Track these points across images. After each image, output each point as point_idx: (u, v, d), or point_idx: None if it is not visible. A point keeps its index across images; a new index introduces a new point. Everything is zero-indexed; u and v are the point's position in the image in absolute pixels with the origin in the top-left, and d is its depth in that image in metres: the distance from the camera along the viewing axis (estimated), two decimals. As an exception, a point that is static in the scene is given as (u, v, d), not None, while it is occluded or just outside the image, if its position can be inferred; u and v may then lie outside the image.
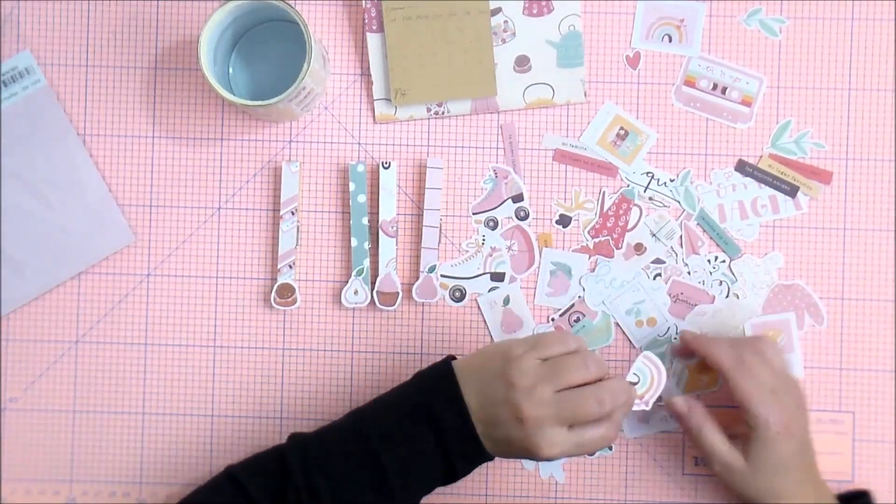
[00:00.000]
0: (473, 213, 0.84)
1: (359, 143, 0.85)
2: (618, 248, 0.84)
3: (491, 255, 0.84)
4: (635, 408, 0.73)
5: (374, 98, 0.84)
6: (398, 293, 0.83)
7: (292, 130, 0.85)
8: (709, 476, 0.83)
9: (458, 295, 0.84)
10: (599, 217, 0.84)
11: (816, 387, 0.84)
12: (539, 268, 0.84)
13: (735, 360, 0.75)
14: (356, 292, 0.83)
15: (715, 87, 0.84)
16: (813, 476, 0.77)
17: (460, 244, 0.84)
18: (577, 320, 0.84)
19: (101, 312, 0.84)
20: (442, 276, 0.84)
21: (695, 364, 0.83)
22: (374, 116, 0.84)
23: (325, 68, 0.82)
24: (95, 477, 0.84)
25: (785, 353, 0.78)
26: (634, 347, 0.84)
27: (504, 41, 0.83)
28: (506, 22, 0.83)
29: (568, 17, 0.84)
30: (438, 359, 0.84)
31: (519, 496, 0.84)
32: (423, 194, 0.83)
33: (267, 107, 0.75)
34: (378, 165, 0.83)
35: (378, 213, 0.83)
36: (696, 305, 0.83)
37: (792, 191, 0.84)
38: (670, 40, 0.84)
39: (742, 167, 0.84)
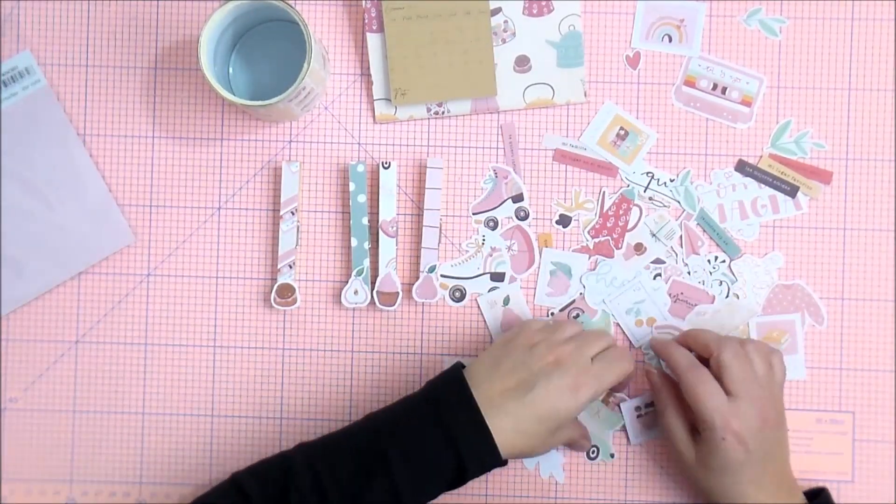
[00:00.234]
0: (473, 213, 0.84)
1: (359, 143, 0.85)
2: (618, 249, 0.84)
3: (491, 255, 0.84)
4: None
5: (374, 98, 0.84)
6: (398, 293, 0.83)
7: (292, 130, 0.85)
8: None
9: (458, 295, 0.84)
10: (599, 217, 0.84)
11: (816, 387, 0.84)
12: (539, 268, 0.84)
13: (689, 364, 0.76)
14: (356, 292, 0.83)
15: (715, 87, 0.84)
16: (767, 482, 0.75)
17: (460, 244, 0.84)
18: (577, 316, 0.84)
19: (101, 312, 0.84)
20: (442, 276, 0.84)
21: None
22: (374, 116, 0.84)
23: (325, 68, 0.82)
24: (95, 477, 0.84)
25: (779, 368, 0.77)
26: (634, 347, 0.84)
27: (504, 41, 0.83)
28: (506, 22, 0.83)
29: (568, 17, 0.84)
30: (438, 359, 0.84)
31: (519, 496, 0.84)
32: (423, 194, 0.83)
33: (267, 107, 0.75)
34: (378, 165, 0.83)
35: (378, 213, 0.83)
36: (696, 305, 0.83)
37: (792, 191, 0.84)
38: (670, 40, 0.84)
39: (742, 167, 0.84)
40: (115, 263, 0.84)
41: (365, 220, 0.83)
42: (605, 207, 0.84)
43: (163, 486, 0.84)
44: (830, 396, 0.83)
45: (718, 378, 0.75)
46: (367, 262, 0.83)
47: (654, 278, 0.84)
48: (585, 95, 0.84)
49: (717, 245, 0.84)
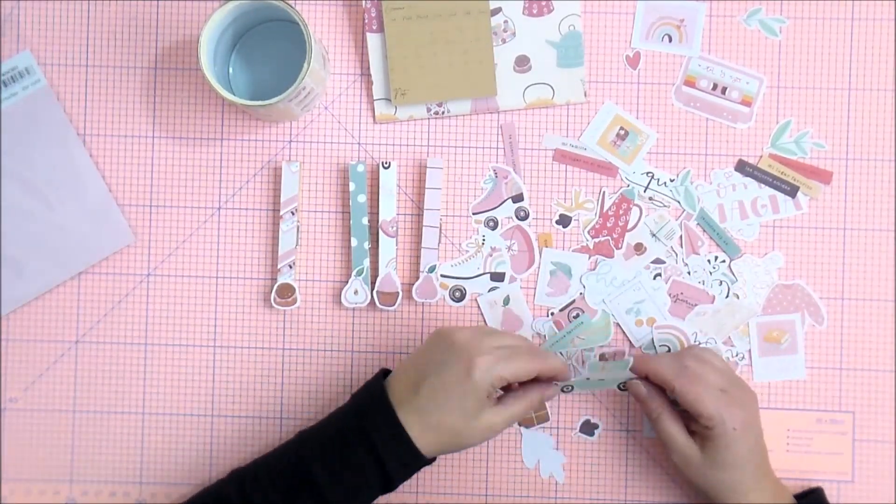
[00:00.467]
0: (473, 213, 0.84)
1: (359, 143, 0.85)
2: (618, 248, 0.84)
3: (491, 255, 0.84)
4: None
5: (374, 98, 0.84)
6: (398, 293, 0.83)
7: (292, 130, 0.85)
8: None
9: (458, 295, 0.84)
10: (599, 217, 0.84)
11: (816, 387, 0.84)
12: (539, 268, 0.84)
13: (677, 369, 0.76)
14: (356, 292, 0.83)
15: (715, 87, 0.84)
16: (767, 470, 0.77)
17: (460, 244, 0.84)
18: (577, 316, 0.84)
19: (101, 312, 0.84)
20: (442, 276, 0.84)
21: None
22: (374, 116, 0.84)
23: (325, 68, 0.82)
24: (95, 477, 0.84)
25: (725, 360, 0.79)
26: (634, 347, 0.84)
27: (504, 41, 0.83)
28: (506, 22, 0.83)
29: (568, 17, 0.84)
30: (438, 359, 0.84)
31: (519, 496, 0.84)
32: (423, 194, 0.83)
33: (267, 107, 0.75)
34: (378, 165, 0.83)
35: (378, 213, 0.83)
36: (696, 305, 0.83)
37: (792, 191, 0.84)
38: (670, 40, 0.84)
39: (742, 167, 0.84)
40: (115, 263, 0.84)
41: (365, 220, 0.83)
42: (605, 207, 0.84)
43: (163, 486, 0.84)
44: (830, 396, 0.84)
45: (690, 393, 0.75)
46: (367, 262, 0.83)
47: (654, 278, 0.84)
48: (585, 95, 0.84)
49: (717, 245, 0.84)
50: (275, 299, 0.83)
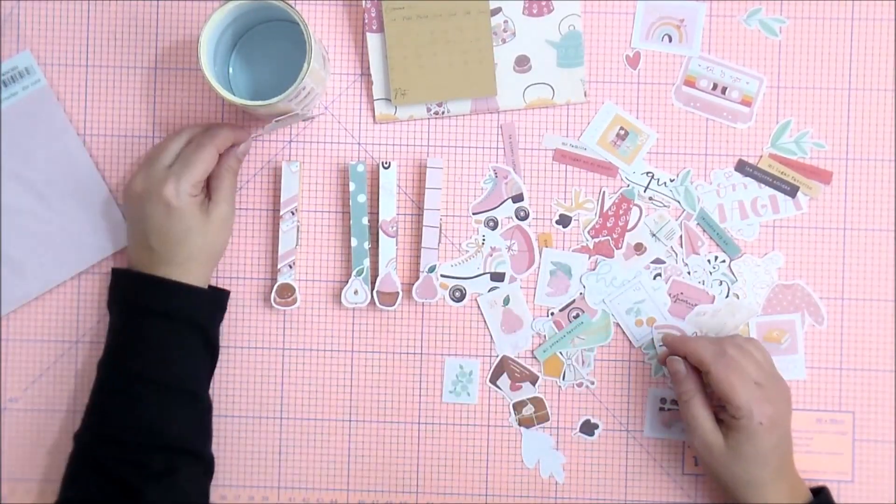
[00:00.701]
0: (473, 213, 0.84)
1: (359, 143, 0.85)
2: (618, 248, 0.84)
3: (491, 255, 0.84)
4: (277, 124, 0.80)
5: (374, 98, 0.84)
6: (398, 293, 0.83)
7: (292, 130, 0.85)
8: (708, 476, 0.83)
9: (458, 295, 0.84)
10: (599, 217, 0.84)
11: (816, 387, 0.84)
12: (539, 268, 0.84)
13: (716, 353, 0.76)
14: (356, 292, 0.83)
15: (715, 87, 0.84)
16: (789, 469, 0.77)
17: (460, 244, 0.84)
18: (577, 316, 0.84)
19: (101, 312, 0.84)
20: (442, 276, 0.84)
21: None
22: (374, 116, 0.84)
23: (325, 68, 0.82)
24: (95, 477, 0.84)
25: (768, 352, 0.79)
26: (634, 347, 0.84)
27: (504, 41, 0.83)
28: (506, 22, 0.83)
29: (568, 17, 0.84)
30: (438, 359, 0.84)
31: (519, 496, 0.84)
32: (423, 194, 0.83)
33: (267, 107, 0.75)
34: (378, 165, 0.83)
35: (378, 213, 0.83)
36: (696, 305, 0.83)
37: (792, 191, 0.84)
38: (670, 40, 0.84)
39: (742, 167, 0.84)
40: (115, 263, 0.84)
41: (365, 220, 0.83)
42: (605, 207, 0.84)
43: (163, 486, 0.84)
44: (830, 396, 0.83)
45: (728, 383, 0.75)
46: (367, 262, 0.83)
47: (654, 278, 0.84)
48: (585, 95, 0.84)
49: (717, 245, 0.84)
50: (275, 299, 0.83)
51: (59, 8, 0.84)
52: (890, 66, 0.84)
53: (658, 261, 0.84)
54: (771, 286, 0.84)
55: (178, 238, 0.77)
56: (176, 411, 0.76)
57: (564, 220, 0.84)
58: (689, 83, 0.84)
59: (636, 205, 0.84)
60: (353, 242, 0.83)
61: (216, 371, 0.84)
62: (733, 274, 0.83)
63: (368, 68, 0.84)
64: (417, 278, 0.83)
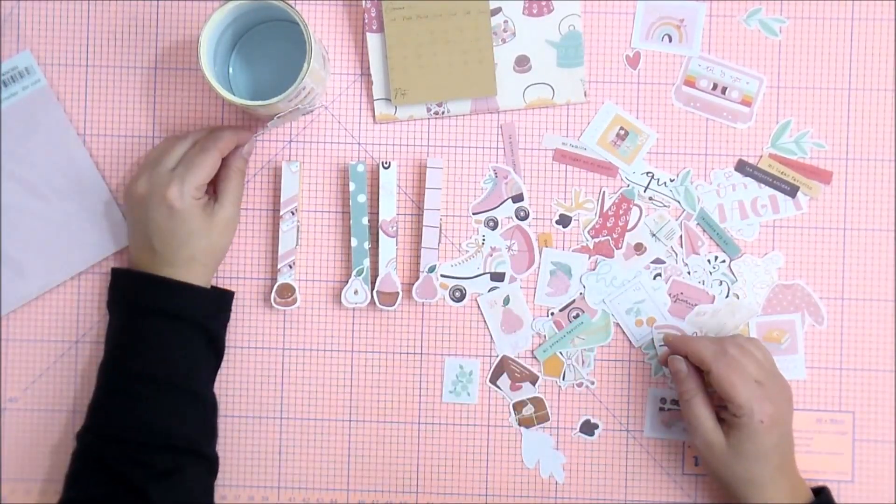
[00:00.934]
0: (473, 213, 0.84)
1: (359, 143, 0.85)
2: (618, 248, 0.84)
3: (491, 255, 0.84)
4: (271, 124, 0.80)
5: (374, 98, 0.84)
6: (398, 293, 0.83)
7: (292, 130, 0.85)
8: (709, 475, 0.83)
9: (458, 295, 0.84)
10: (599, 217, 0.84)
11: (816, 387, 0.84)
12: (539, 268, 0.84)
13: (717, 353, 0.76)
14: (356, 292, 0.83)
15: (715, 87, 0.84)
16: (790, 468, 0.77)
17: (460, 244, 0.84)
18: (577, 316, 0.84)
19: (102, 312, 0.84)
20: (442, 276, 0.84)
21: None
22: (374, 116, 0.84)
23: (325, 68, 0.82)
24: (95, 477, 0.84)
25: (769, 352, 0.79)
26: (634, 347, 0.84)
27: (504, 41, 0.83)
28: (506, 22, 0.83)
29: (568, 17, 0.84)
30: (438, 359, 0.84)
31: (519, 496, 0.84)
32: (423, 194, 0.83)
33: (267, 107, 0.75)
34: (378, 165, 0.83)
35: (378, 213, 0.83)
36: (696, 305, 0.83)
37: (792, 191, 0.84)
38: (670, 40, 0.84)
39: (742, 167, 0.84)
40: (115, 263, 0.84)
41: (365, 220, 0.83)
42: (605, 207, 0.84)
43: (163, 486, 0.84)
44: (830, 396, 0.83)
45: (729, 382, 0.75)
46: (367, 262, 0.83)
47: (654, 278, 0.84)
48: (585, 95, 0.84)
49: (717, 245, 0.84)
50: (275, 299, 0.83)
51: (59, 8, 0.84)
52: (890, 66, 0.84)
53: (658, 261, 0.84)
54: (771, 286, 0.84)
55: (181, 240, 0.77)
56: (180, 411, 0.76)
57: (564, 220, 0.84)
58: (689, 83, 0.84)
59: (636, 205, 0.84)
60: (353, 242, 0.83)
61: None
62: (733, 274, 0.83)
63: (368, 68, 0.84)
64: (417, 278, 0.83)
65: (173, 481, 0.74)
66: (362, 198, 0.83)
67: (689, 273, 0.84)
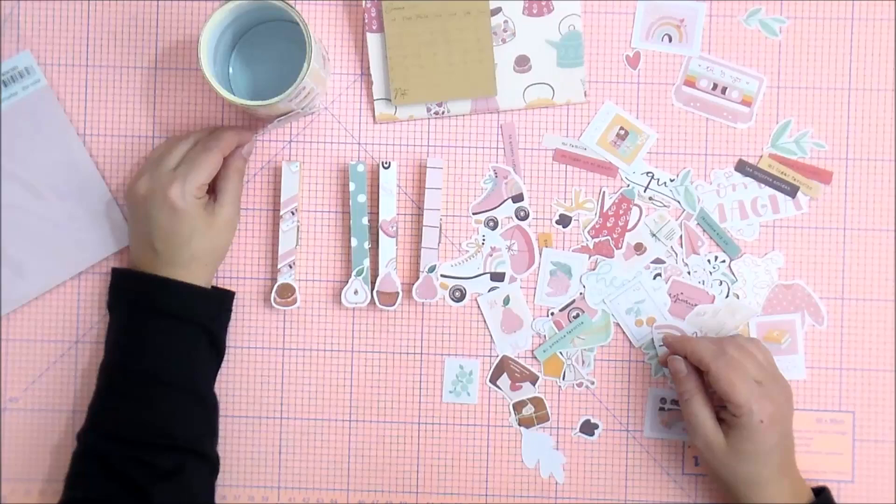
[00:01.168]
0: (473, 213, 0.84)
1: (359, 143, 0.85)
2: (618, 248, 0.84)
3: (491, 255, 0.84)
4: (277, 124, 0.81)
5: (374, 98, 0.84)
6: (398, 293, 0.83)
7: (292, 130, 0.85)
8: (709, 476, 0.83)
9: (458, 295, 0.84)
10: (599, 217, 0.84)
11: (816, 387, 0.84)
12: (539, 268, 0.84)
13: (716, 353, 0.76)
14: (356, 292, 0.83)
15: (715, 86, 0.84)
16: (790, 468, 0.77)
17: (460, 244, 0.84)
18: (577, 316, 0.84)
19: (101, 312, 0.84)
20: (442, 276, 0.84)
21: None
22: (374, 116, 0.84)
23: (325, 68, 0.82)
24: (95, 477, 0.84)
25: (769, 352, 0.79)
26: (634, 347, 0.84)
27: (504, 41, 0.83)
28: (506, 22, 0.83)
29: (568, 17, 0.84)
30: (438, 359, 0.84)
31: (519, 496, 0.84)
32: (423, 194, 0.83)
33: (267, 107, 0.75)
34: (378, 165, 0.83)
35: (378, 213, 0.83)
36: (696, 305, 0.83)
37: (792, 191, 0.84)
38: (670, 40, 0.84)
39: (742, 167, 0.84)
40: (116, 263, 0.84)
41: (365, 220, 0.83)
42: (605, 207, 0.84)
43: (163, 486, 0.84)
44: (830, 396, 0.84)
45: (728, 382, 0.75)
46: (367, 262, 0.83)
47: (654, 278, 0.84)
48: (585, 95, 0.84)
49: (717, 245, 0.84)
50: (275, 299, 0.83)
51: (59, 8, 0.84)
52: (890, 66, 0.84)
53: (658, 261, 0.84)
54: (771, 286, 0.83)
55: (182, 240, 0.77)
56: (181, 411, 0.76)
57: (564, 220, 0.84)
58: (689, 83, 0.84)
59: (636, 205, 0.84)
60: (353, 242, 0.83)
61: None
62: (733, 274, 0.83)
63: (368, 68, 0.84)
64: (417, 278, 0.83)
65: (175, 481, 0.74)
66: (362, 198, 0.83)
67: (689, 273, 0.84)
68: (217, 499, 0.82)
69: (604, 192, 0.84)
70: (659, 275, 0.84)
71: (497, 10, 0.83)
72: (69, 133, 0.84)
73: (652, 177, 0.84)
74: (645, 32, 0.84)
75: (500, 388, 0.84)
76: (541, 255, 0.84)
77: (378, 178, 0.83)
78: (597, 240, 0.84)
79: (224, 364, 0.84)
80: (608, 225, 0.84)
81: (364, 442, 0.84)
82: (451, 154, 0.84)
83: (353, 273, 0.83)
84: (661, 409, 0.83)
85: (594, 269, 0.84)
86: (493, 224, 0.84)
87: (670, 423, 0.83)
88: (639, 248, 0.84)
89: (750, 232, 0.84)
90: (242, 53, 0.82)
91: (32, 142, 0.83)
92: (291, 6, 0.75)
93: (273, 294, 0.83)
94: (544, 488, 0.84)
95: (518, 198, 0.84)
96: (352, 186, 0.83)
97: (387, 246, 0.83)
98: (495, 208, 0.84)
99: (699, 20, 0.84)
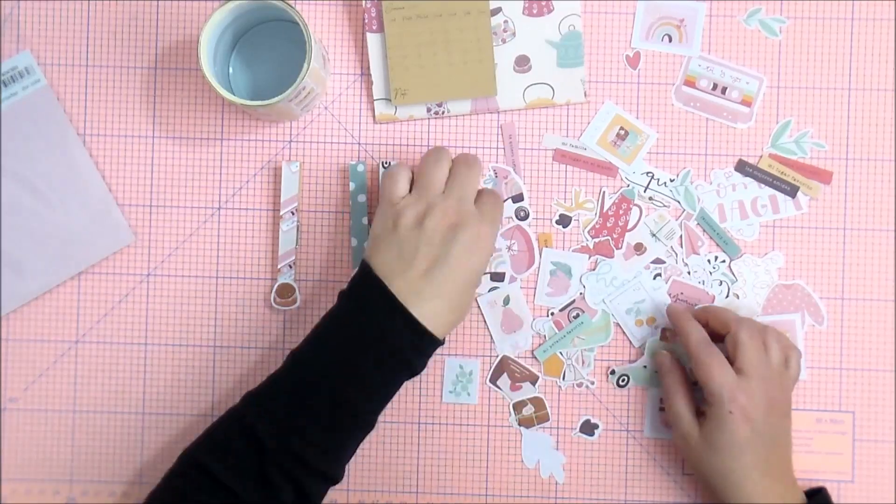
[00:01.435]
0: (473, 213, 0.84)
1: (359, 143, 0.85)
2: (618, 248, 0.84)
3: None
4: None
5: (374, 98, 0.84)
6: (398, 293, 0.83)
7: (292, 130, 0.85)
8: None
9: (458, 295, 0.84)
10: (599, 217, 0.84)
11: (816, 387, 0.84)
12: (539, 268, 0.84)
13: (702, 338, 0.77)
14: (356, 292, 0.83)
15: (715, 86, 0.84)
16: (772, 468, 0.75)
17: (460, 244, 0.84)
18: (577, 316, 0.84)
19: (101, 312, 0.84)
20: (442, 276, 0.84)
21: None
22: (374, 116, 0.84)
23: (325, 68, 0.82)
24: (95, 477, 0.84)
25: (791, 353, 0.78)
26: (634, 347, 0.84)
27: (504, 41, 0.83)
28: (506, 22, 0.83)
29: (568, 17, 0.84)
30: (438, 358, 0.84)
31: (519, 496, 0.84)
32: (423, 194, 0.83)
33: (267, 107, 0.75)
34: (378, 165, 0.83)
35: (378, 213, 0.83)
36: (696, 305, 0.83)
37: (792, 191, 0.84)
38: (670, 40, 0.84)
39: (742, 167, 0.84)
40: (115, 263, 0.84)
41: (365, 220, 0.83)
42: (605, 207, 0.84)
43: (163, 486, 0.84)
44: (830, 396, 0.84)
45: (732, 356, 0.76)
46: (367, 262, 0.83)
47: (654, 278, 0.84)
48: (585, 95, 0.84)
49: (717, 245, 0.84)
50: (275, 299, 0.83)
51: (59, 8, 0.84)
52: (890, 66, 0.84)
53: (658, 261, 0.84)
54: (771, 286, 0.84)
55: (465, 288, 0.75)
56: (356, 447, 0.75)
57: (564, 220, 0.84)
58: (689, 83, 0.84)
59: (636, 205, 0.84)
60: (353, 242, 0.83)
61: (216, 372, 0.84)
62: (733, 274, 0.83)
63: (368, 68, 0.84)
64: (417, 278, 0.83)
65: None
66: (362, 198, 0.83)
67: (689, 273, 0.84)
68: (217, 499, 0.82)
69: (604, 192, 0.84)
70: (659, 275, 0.84)
71: (497, 10, 0.83)
72: (69, 133, 0.84)
73: (652, 177, 0.84)
74: (645, 32, 0.84)
75: (500, 388, 0.84)
76: (541, 255, 0.84)
77: (378, 178, 0.83)
78: (597, 240, 0.84)
79: (224, 364, 0.84)
80: (608, 225, 0.84)
81: (364, 442, 0.84)
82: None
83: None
84: (661, 409, 0.83)
85: (594, 269, 0.84)
86: (493, 224, 0.84)
87: (669, 424, 0.83)
88: (639, 248, 0.84)
89: (750, 232, 0.84)
90: (242, 53, 0.82)
91: (32, 142, 0.83)
92: (291, 6, 0.75)
93: (273, 294, 0.83)
94: (544, 488, 0.84)
95: (518, 198, 0.84)
96: (352, 186, 0.83)
97: (387, 246, 0.83)
98: (495, 208, 0.84)
99: (699, 20, 0.84)
